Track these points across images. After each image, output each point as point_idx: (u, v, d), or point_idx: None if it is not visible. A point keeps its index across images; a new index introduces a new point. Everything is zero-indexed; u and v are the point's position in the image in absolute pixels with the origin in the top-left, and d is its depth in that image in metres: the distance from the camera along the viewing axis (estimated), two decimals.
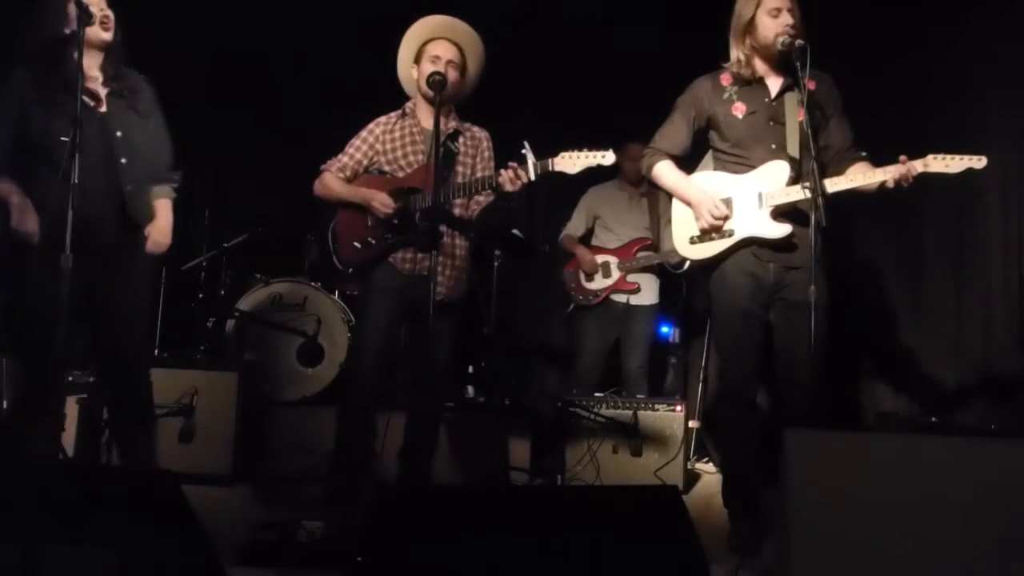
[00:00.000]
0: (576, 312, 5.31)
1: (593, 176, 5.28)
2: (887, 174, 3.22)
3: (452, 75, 3.52)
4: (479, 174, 3.63)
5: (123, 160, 3.26)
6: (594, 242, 5.32)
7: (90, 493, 2.22)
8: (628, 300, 5.20)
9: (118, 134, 3.26)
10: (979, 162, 3.18)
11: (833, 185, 3.25)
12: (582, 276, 5.25)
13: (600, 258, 5.23)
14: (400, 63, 3.69)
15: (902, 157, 3.21)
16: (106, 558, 2.12)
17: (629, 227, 5.26)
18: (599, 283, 5.23)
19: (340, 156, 3.70)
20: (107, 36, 3.23)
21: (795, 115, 3.32)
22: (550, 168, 3.34)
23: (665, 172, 3.52)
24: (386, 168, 3.65)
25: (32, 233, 3.15)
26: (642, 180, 5.21)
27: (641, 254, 5.19)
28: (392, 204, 3.52)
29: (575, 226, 5.36)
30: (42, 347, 3.06)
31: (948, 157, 3.18)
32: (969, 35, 4.85)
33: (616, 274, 5.20)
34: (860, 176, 3.27)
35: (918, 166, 3.20)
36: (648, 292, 5.21)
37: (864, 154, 3.40)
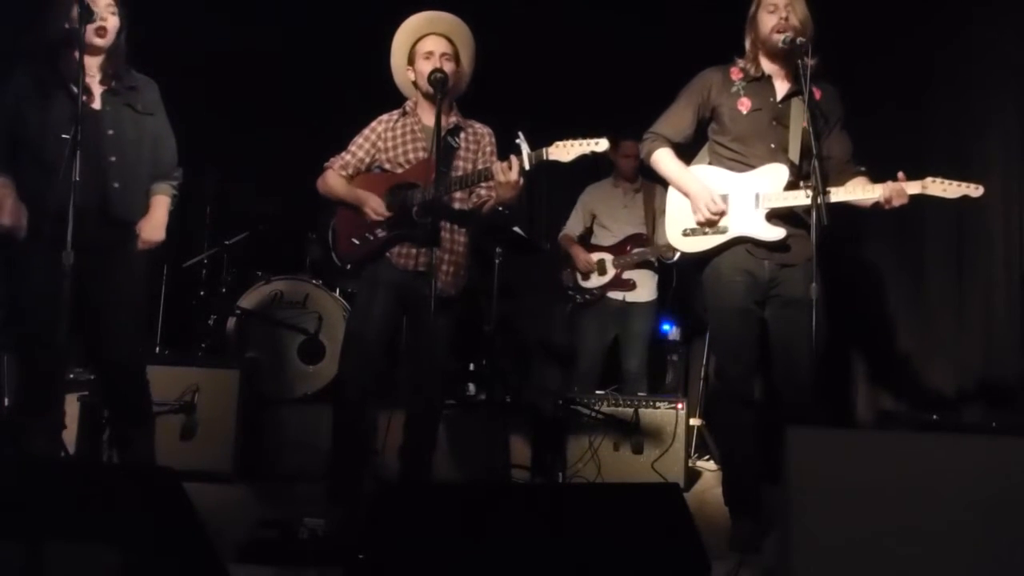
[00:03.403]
0: (575, 311, 5.31)
1: (592, 175, 5.34)
2: (883, 190, 3.23)
3: (449, 67, 3.50)
4: (479, 168, 3.62)
5: (112, 158, 3.24)
6: (592, 240, 5.31)
7: (91, 490, 2.22)
8: (624, 298, 5.18)
9: (109, 132, 3.25)
10: (976, 191, 3.22)
11: (833, 195, 3.26)
12: (579, 275, 5.25)
13: (596, 256, 5.22)
14: (395, 69, 3.68)
15: (900, 174, 3.23)
16: (107, 555, 2.12)
17: (624, 224, 5.25)
18: (595, 281, 5.22)
19: (343, 154, 3.69)
20: (101, 43, 3.22)
21: (800, 121, 3.33)
22: (544, 157, 3.30)
23: (665, 160, 3.50)
24: (386, 166, 3.64)
25: (16, 228, 3.14)
26: (637, 176, 5.22)
27: (636, 250, 5.17)
28: (384, 212, 3.51)
29: (572, 225, 5.35)
30: (41, 344, 3.06)
31: (946, 182, 3.22)
32: (971, 31, 4.84)
33: (612, 271, 5.19)
34: (859, 189, 3.30)
35: (915, 187, 3.23)
36: (644, 289, 5.19)
37: (863, 169, 3.42)
